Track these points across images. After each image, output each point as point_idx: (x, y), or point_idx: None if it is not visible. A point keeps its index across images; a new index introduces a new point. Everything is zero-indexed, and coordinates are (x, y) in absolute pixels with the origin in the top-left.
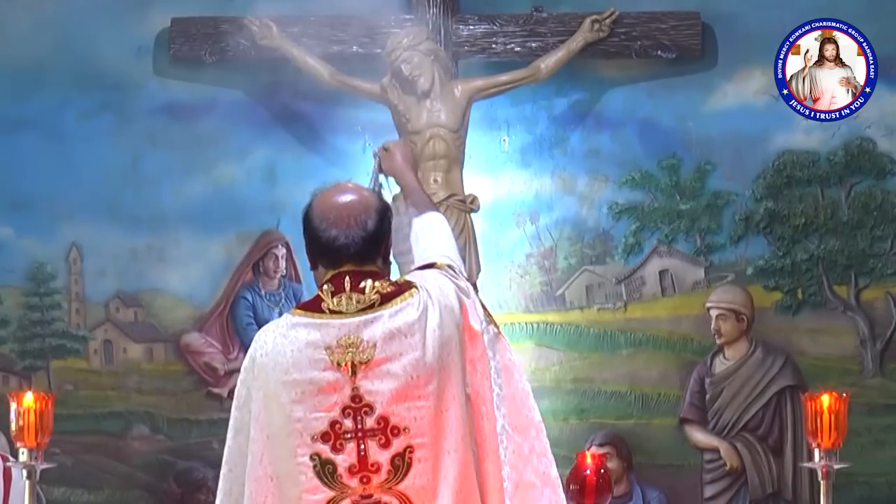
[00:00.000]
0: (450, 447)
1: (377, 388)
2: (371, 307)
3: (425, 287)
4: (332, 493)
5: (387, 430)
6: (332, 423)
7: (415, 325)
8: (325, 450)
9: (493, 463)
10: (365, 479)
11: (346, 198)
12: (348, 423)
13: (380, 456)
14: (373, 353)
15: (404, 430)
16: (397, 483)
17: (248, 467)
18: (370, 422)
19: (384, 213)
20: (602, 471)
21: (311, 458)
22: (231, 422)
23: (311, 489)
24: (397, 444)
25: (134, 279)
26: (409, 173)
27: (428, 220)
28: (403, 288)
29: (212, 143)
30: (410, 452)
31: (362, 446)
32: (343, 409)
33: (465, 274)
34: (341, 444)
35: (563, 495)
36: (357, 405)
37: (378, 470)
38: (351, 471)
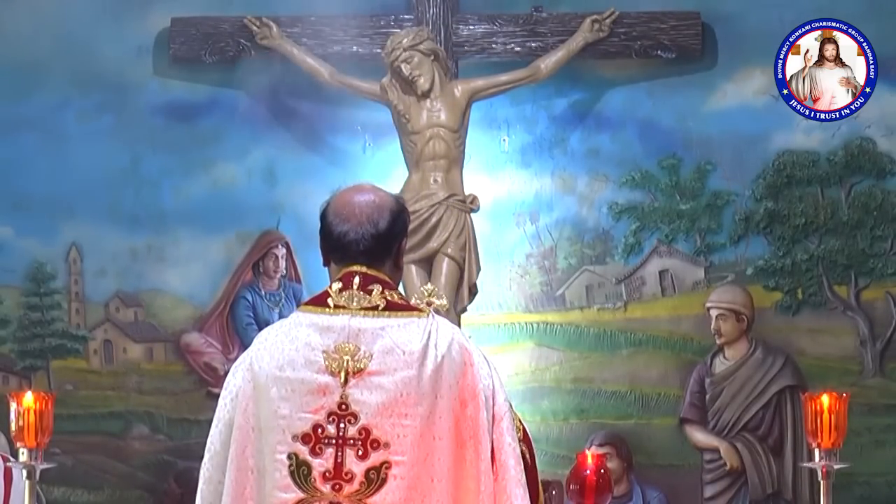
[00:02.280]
0: (435, 475)
1: (365, 398)
2: (375, 309)
3: (439, 320)
4: (302, 495)
5: (367, 442)
6: (315, 427)
7: (416, 346)
8: (303, 451)
9: None
10: (337, 487)
11: (362, 196)
12: (331, 429)
13: (355, 466)
14: (367, 364)
15: (384, 444)
16: (368, 496)
17: (230, 456)
18: (352, 431)
19: (398, 215)
20: (602, 471)
21: (289, 456)
22: (217, 410)
23: (283, 487)
24: (374, 458)
25: (134, 279)
26: None
27: None
28: (414, 307)
29: (212, 143)
30: (387, 468)
31: (340, 454)
32: (328, 415)
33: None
34: (320, 449)
35: None
36: (342, 412)
37: (351, 479)
38: (325, 476)
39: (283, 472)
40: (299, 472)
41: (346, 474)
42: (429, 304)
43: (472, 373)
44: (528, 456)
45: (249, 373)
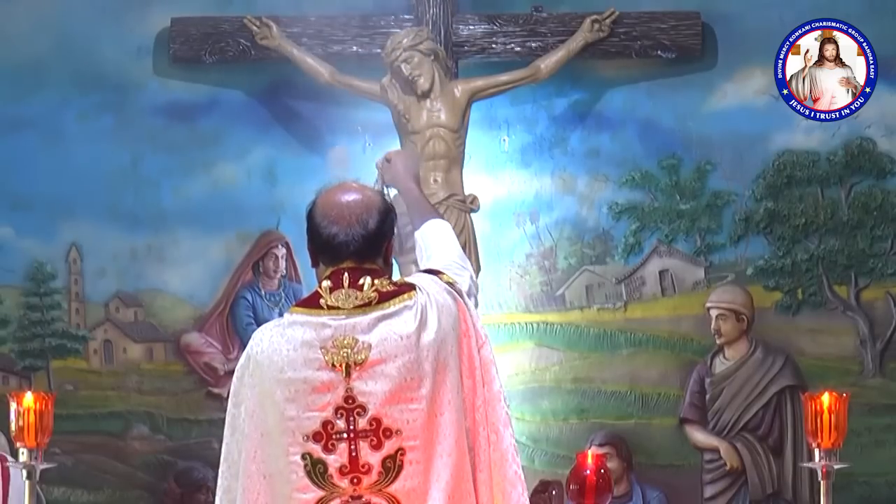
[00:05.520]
0: (443, 451)
1: (370, 389)
2: (368, 304)
3: (425, 290)
4: (322, 493)
5: (379, 432)
6: (325, 423)
7: (411, 328)
8: (316, 449)
9: (485, 472)
10: (355, 480)
11: (349, 196)
12: (341, 424)
13: (371, 457)
14: (367, 354)
15: (396, 432)
16: (388, 485)
17: (241, 463)
18: (362, 423)
19: (387, 213)
20: (602, 471)
21: (303, 457)
22: (227, 419)
23: (302, 488)
24: (389, 446)
25: (134, 279)
26: (410, 183)
27: (430, 230)
28: (403, 289)
29: (212, 143)
30: (402, 455)
31: (353, 447)
32: (336, 410)
33: (472, 271)
34: (333, 445)
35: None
36: (350, 406)
37: (369, 471)
38: (342, 471)
39: (300, 473)
40: (315, 470)
41: (362, 466)
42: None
43: (468, 345)
44: None
45: (252, 379)
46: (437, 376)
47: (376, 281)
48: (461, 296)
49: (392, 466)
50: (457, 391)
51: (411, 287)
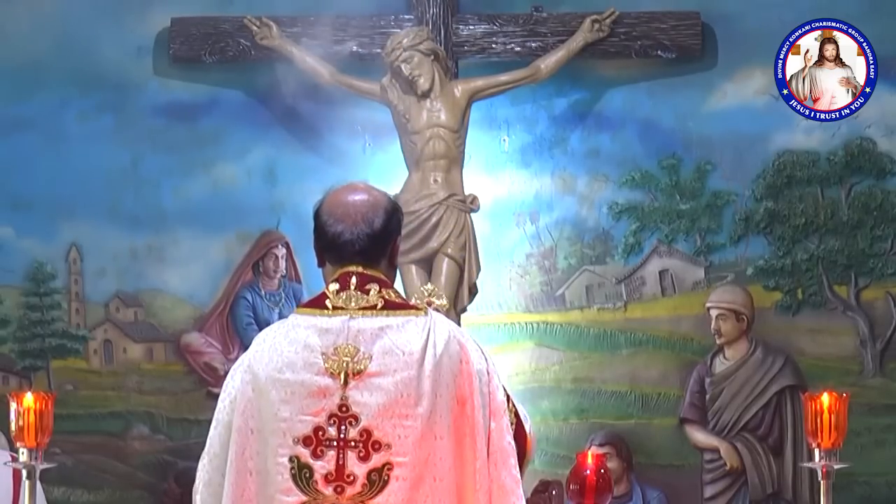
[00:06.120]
0: (437, 474)
1: (365, 399)
2: (373, 308)
3: (436, 317)
4: (304, 498)
5: (368, 444)
6: (316, 429)
7: (415, 346)
8: (305, 454)
9: None
10: (339, 489)
11: (356, 196)
12: (332, 431)
13: (357, 468)
14: (367, 365)
15: (386, 446)
16: (371, 498)
17: (229, 458)
18: (353, 433)
19: (393, 213)
20: (602, 471)
21: (290, 459)
22: (216, 412)
23: (285, 490)
24: (376, 459)
25: (134, 279)
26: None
27: None
28: (413, 305)
29: (212, 143)
30: (389, 469)
31: (342, 456)
32: (329, 417)
33: (522, 410)
34: (322, 451)
35: None
36: (343, 414)
37: (353, 482)
38: (327, 479)
39: (285, 475)
40: (301, 474)
41: (347, 476)
42: (429, 303)
43: (469, 370)
44: (519, 425)
45: (248, 375)
46: (437, 399)
47: (383, 290)
48: (483, 351)
49: (377, 480)
50: (452, 421)
51: (420, 307)
